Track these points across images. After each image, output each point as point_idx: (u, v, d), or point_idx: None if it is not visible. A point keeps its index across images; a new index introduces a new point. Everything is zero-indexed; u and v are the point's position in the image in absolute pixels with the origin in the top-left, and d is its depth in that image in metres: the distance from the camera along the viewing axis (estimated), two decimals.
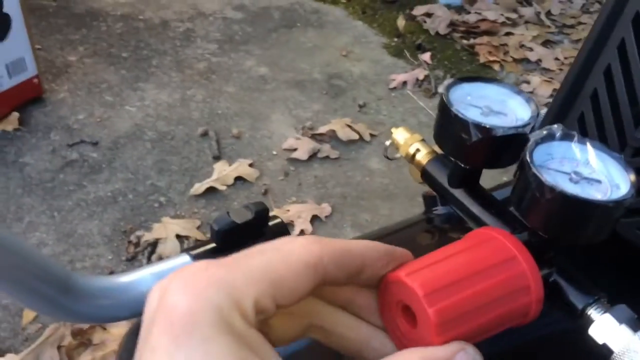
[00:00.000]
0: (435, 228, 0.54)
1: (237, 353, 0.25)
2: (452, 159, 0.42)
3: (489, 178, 0.44)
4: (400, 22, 2.66)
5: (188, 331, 0.24)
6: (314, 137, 1.98)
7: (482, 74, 2.37)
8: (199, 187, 1.75)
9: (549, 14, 2.84)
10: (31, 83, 1.93)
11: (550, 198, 0.33)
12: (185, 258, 0.40)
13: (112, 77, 2.17)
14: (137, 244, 1.59)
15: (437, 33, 2.61)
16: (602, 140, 0.46)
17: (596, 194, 0.34)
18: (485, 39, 2.59)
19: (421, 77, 2.33)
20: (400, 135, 0.49)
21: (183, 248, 1.37)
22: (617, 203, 0.33)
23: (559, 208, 0.33)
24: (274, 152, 1.92)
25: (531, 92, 2.30)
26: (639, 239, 0.45)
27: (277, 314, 0.28)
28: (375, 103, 2.20)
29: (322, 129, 2.01)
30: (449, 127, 0.40)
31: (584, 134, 0.45)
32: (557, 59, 2.53)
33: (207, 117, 2.03)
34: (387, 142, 0.50)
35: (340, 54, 2.44)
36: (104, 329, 1.34)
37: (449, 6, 2.74)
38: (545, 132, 0.36)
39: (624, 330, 0.33)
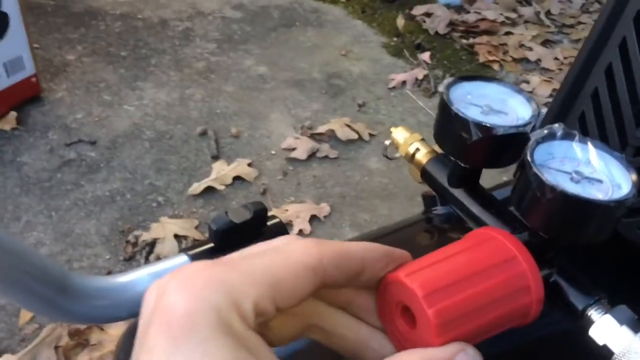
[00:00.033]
0: (435, 228, 0.54)
1: (235, 355, 0.24)
2: (452, 158, 0.42)
3: (489, 178, 0.44)
4: (400, 22, 2.66)
5: (186, 332, 0.24)
6: (313, 136, 1.98)
7: (482, 74, 2.37)
8: (197, 187, 1.75)
9: (548, 13, 2.84)
10: (29, 82, 1.93)
11: (551, 198, 0.33)
12: (183, 258, 0.40)
13: (111, 76, 2.16)
14: (135, 244, 1.58)
15: (436, 32, 2.61)
16: (603, 140, 0.46)
17: (597, 194, 0.33)
18: (484, 38, 2.59)
19: (420, 76, 2.33)
20: (399, 134, 0.49)
21: (181, 248, 1.37)
22: (619, 203, 0.33)
23: (559, 208, 0.33)
24: (273, 152, 1.92)
25: (530, 92, 2.30)
26: None
27: (276, 315, 0.28)
28: (375, 102, 2.20)
29: (321, 129, 2.00)
30: (449, 126, 0.39)
31: (585, 134, 0.45)
32: (556, 58, 2.53)
33: (206, 116, 2.03)
34: (387, 142, 0.50)
35: (340, 54, 2.44)
36: (102, 329, 1.34)
37: (448, 6, 2.74)
38: (546, 131, 0.36)
39: (625, 331, 0.33)
